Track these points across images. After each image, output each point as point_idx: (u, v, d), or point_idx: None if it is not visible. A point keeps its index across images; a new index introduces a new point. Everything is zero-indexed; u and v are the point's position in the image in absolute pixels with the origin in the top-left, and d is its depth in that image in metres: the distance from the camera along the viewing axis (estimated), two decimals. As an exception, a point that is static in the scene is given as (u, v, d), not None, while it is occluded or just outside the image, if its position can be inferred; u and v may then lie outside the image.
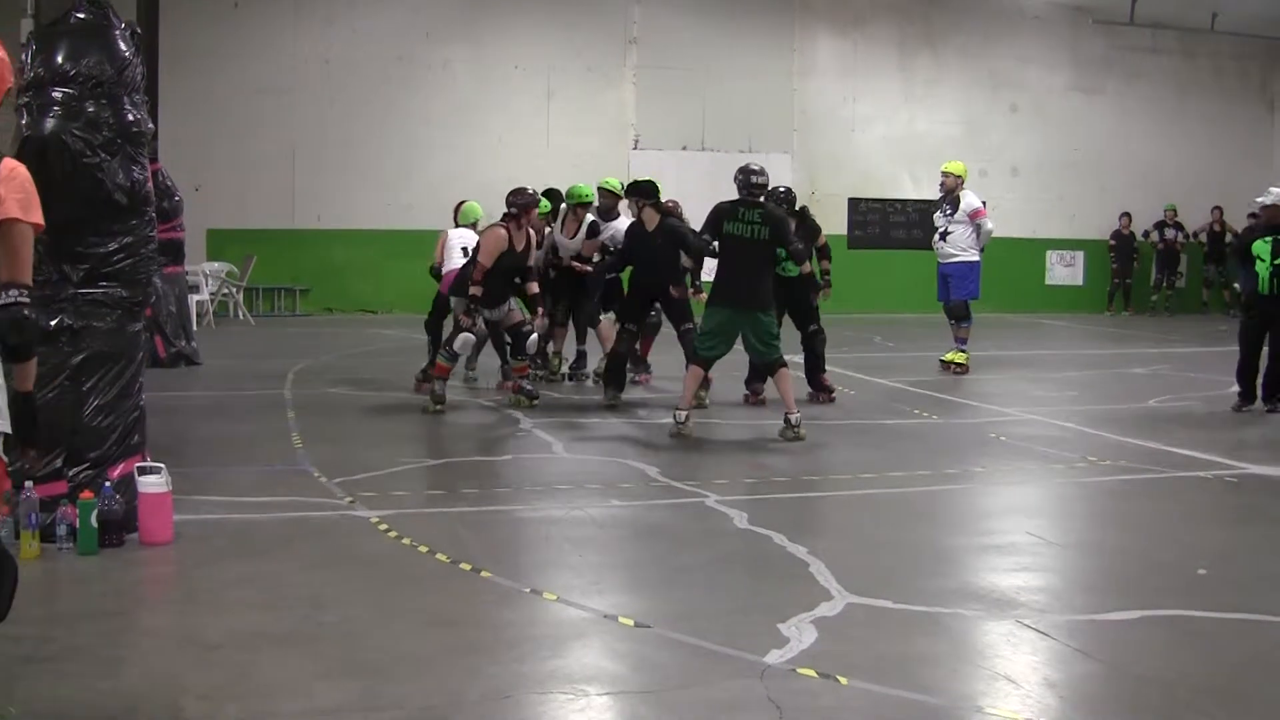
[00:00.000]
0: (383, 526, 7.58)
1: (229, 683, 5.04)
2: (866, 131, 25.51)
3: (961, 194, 15.53)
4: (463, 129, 23.11)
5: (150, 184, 7.45)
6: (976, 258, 15.54)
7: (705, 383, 12.05)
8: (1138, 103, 26.89)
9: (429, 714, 4.77)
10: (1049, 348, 20.17)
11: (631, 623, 5.82)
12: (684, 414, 10.84)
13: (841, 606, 6.09)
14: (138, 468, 7.22)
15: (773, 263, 11.18)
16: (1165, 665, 5.44)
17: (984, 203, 15.94)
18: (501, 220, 12.00)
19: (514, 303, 12.32)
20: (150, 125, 7.59)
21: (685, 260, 11.29)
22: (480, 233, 12.49)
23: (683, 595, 6.40)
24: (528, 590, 6.34)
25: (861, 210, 25.46)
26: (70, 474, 7.10)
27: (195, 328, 16.67)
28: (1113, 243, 26.66)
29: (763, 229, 10.73)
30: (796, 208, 12.93)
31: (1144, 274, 26.95)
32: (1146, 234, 26.76)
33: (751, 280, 10.76)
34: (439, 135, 22.97)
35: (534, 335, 12.15)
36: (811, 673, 5.18)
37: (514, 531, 7.88)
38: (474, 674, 5.19)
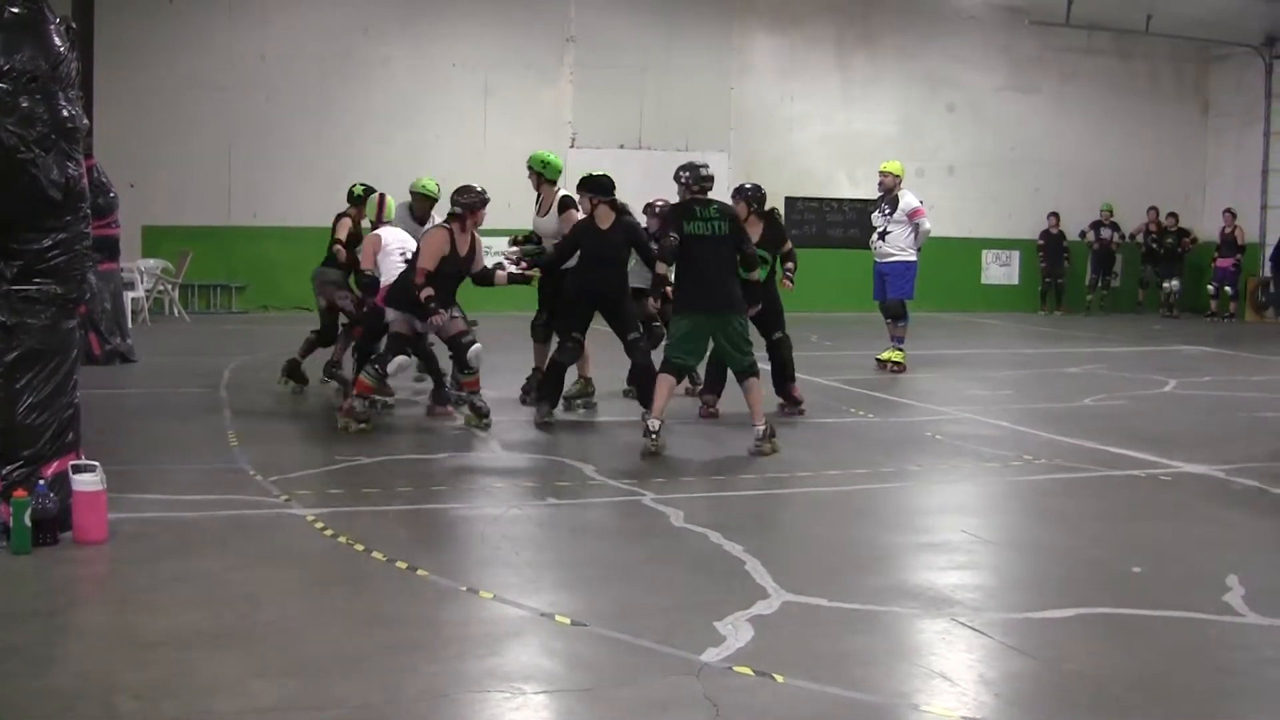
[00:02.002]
0: (319, 525, 7.55)
1: (165, 681, 5.02)
2: (804, 130, 25.59)
3: (900, 193, 15.59)
4: (401, 126, 23.01)
5: (85, 180, 7.37)
6: (914, 257, 15.62)
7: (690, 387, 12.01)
8: (1073, 103, 27.08)
9: (366, 712, 4.76)
10: (985, 347, 20.31)
11: (568, 621, 5.83)
12: (657, 423, 9.99)
13: (778, 605, 6.12)
14: (72, 465, 7.15)
15: (735, 262, 10.45)
16: (1099, 662, 5.49)
17: (921, 202, 16.02)
18: (445, 220, 11.25)
19: (456, 310, 11.41)
20: (85, 121, 7.51)
21: (660, 268, 10.69)
22: (422, 233, 11.68)
23: (619, 593, 6.41)
24: (464, 588, 6.34)
25: (799, 209, 25.52)
26: (3, 472, 7.03)
27: (130, 325, 16.51)
28: (1041, 243, 26.87)
29: (722, 224, 10.29)
30: (766, 208, 12.44)
31: (1078, 273, 27.17)
32: (1083, 234, 26.96)
33: (719, 280, 10.24)
34: (377, 132, 22.86)
35: (476, 345, 11.08)
36: (748, 670, 5.20)
37: (450, 529, 7.88)
38: (411, 672, 5.18)
